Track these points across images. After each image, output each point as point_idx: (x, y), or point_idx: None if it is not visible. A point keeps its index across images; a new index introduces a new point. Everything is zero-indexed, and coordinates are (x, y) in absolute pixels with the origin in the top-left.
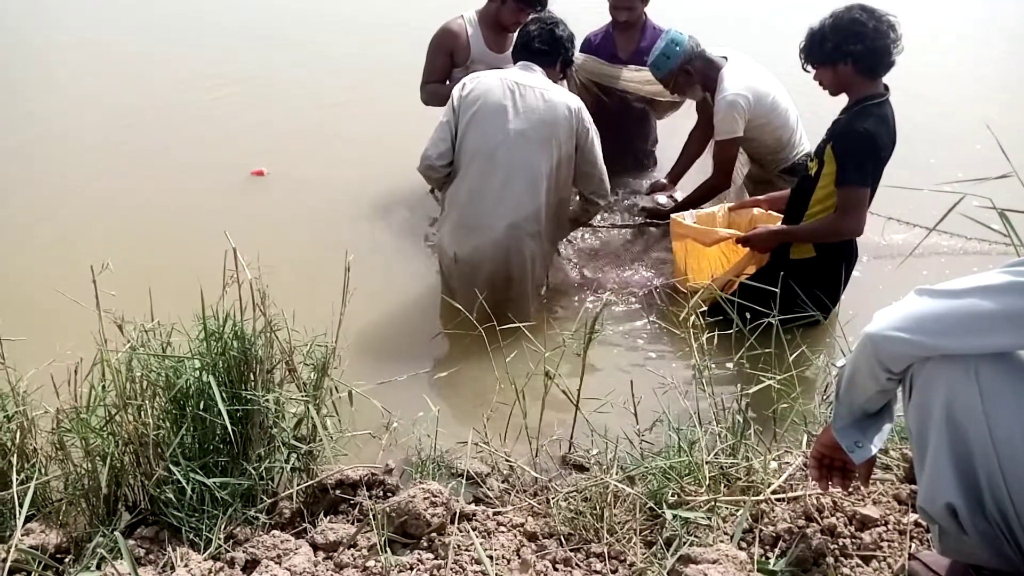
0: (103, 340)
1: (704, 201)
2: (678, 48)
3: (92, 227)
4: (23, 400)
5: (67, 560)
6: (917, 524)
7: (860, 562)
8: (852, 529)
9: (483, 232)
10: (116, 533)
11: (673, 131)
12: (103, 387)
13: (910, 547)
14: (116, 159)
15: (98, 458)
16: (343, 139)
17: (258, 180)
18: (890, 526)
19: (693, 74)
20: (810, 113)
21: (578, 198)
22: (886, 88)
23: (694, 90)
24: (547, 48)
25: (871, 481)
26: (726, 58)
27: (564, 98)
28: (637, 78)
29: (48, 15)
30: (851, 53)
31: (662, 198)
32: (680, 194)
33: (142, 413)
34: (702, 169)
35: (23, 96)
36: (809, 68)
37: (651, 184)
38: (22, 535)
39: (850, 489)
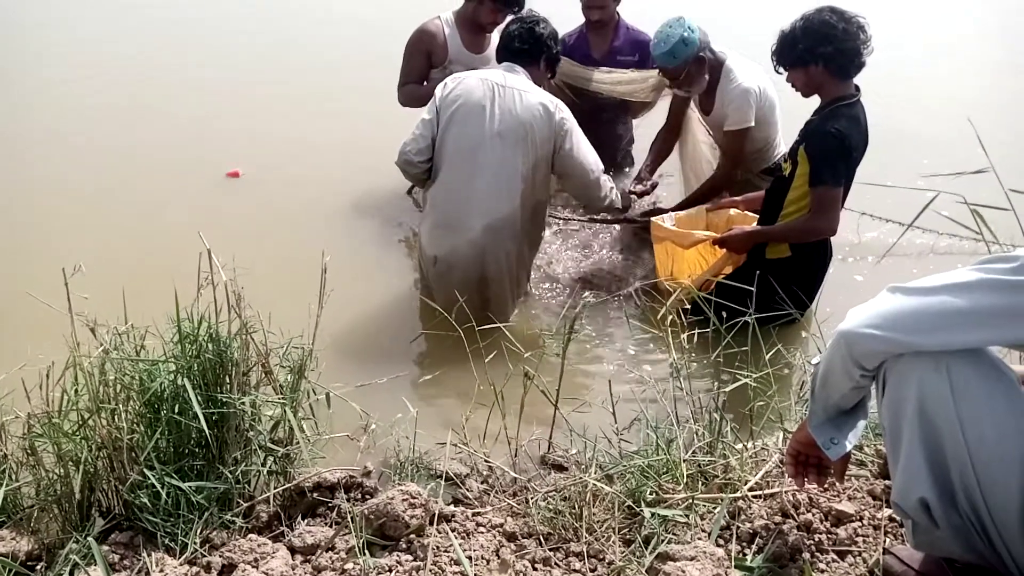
0: (75, 343)
1: (714, 195)
2: (694, 35)
3: (64, 228)
4: None
5: (39, 567)
6: (891, 519)
7: (836, 557)
8: (827, 525)
9: (460, 232)
10: (90, 539)
11: (649, 129)
12: (75, 391)
13: (884, 542)
14: (89, 159)
15: (71, 463)
16: (319, 140)
17: (233, 181)
18: (865, 521)
19: (706, 63)
20: (783, 113)
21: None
22: (857, 89)
23: (702, 81)
24: (527, 47)
25: (846, 477)
26: (724, 53)
27: (541, 99)
28: (609, 79)
29: (43, 13)
30: (822, 55)
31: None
32: (657, 179)
33: (116, 417)
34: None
35: (3, 93)
36: (781, 70)
37: (635, 179)
38: None
39: (825, 485)
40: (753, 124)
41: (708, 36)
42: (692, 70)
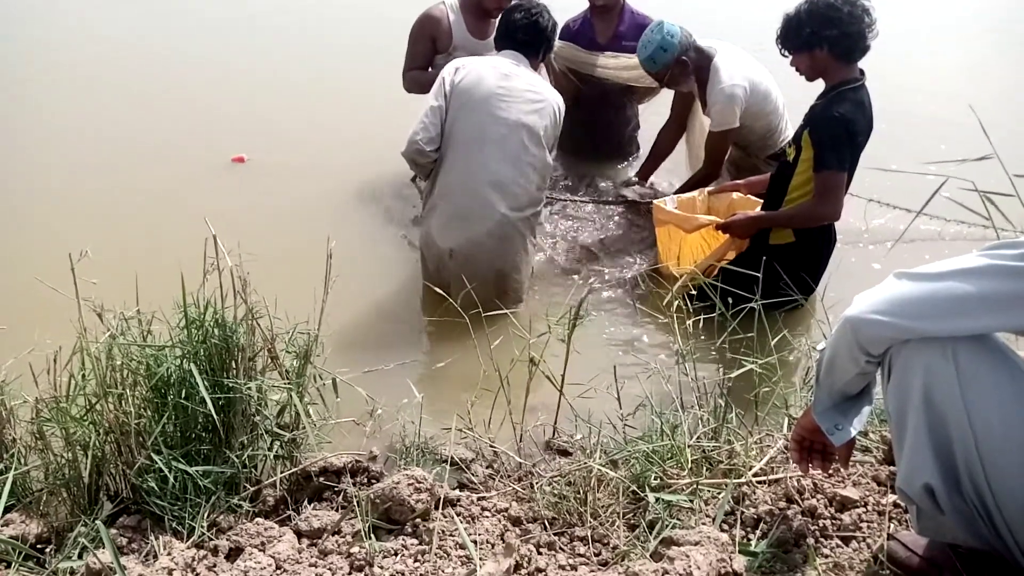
0: (83, 328)
1: (695, 190)
2: (674, 40)
3: (71, 215)
4: (1, 390)
5: (48, 550)
6: (896, 505)
7: (840, 542)
8: (832, 510)
9: (477, 222)
10: (98, 522)
11: (654, 115)
12: (83, 376)
13: (889, 527)
14: (96, 147)
15: (79, 447)
16: (324, 126)
17: (238, 167)
18: (869, 507)
19: (688, 65)
20: (787, 99)
21: None
22: (862, 73)
23: (688, 82)
24: (530, 39)
25: (851, 463)
26: (714, 48)
27: (552, 93)
28: (614, 64)
29: (52, 3)
30: (827, 38)
31: (631, 194)
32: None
33: (123, 402)
34: (674, 163)
35: (5, 80)
36: (786, 54)
37: (623, 182)
38: (1, 525)
39: (830, 471)
40: (736, 125)
41: (692, 37)
42: (675, 72)
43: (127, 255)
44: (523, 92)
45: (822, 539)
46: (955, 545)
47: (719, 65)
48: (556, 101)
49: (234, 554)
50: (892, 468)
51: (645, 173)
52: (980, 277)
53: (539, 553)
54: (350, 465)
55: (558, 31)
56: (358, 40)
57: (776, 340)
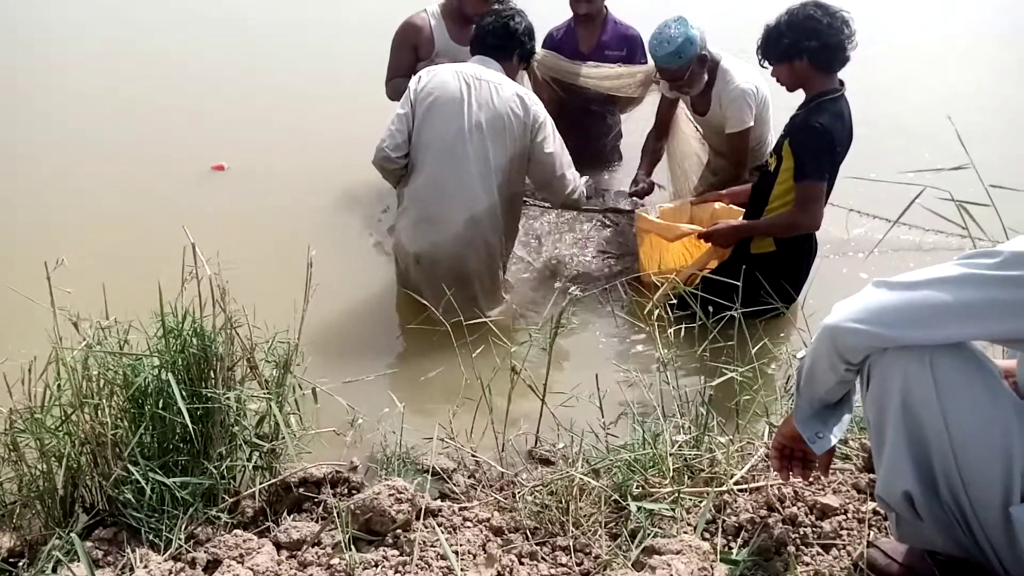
0: (58, 338)
1: (725, 188)
2: (696, 33)
3: (46, 222)
4: None
5: (21, 564)
6: (875, 512)
7: (820, 550)
8: (812, 518)
9: (443, 226)
10: (73, 535)
11: (637, 124)
12: (58, 386)
13: (869, 535)
14: (73, 153)
15: (53, 459)
16: (304, 134)
17: (219, 175)
18: (849, 514)
19: (707, 61)
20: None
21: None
22: (841, 83)
23: (702, 81)
24: (501, 43)
25: (831, 471)
26: (718, 53)
27: (517, 91)
28: (596, 74)
29: (32, 7)
30: (807, 49)
31: (627, 204)
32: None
33: (99, 412)
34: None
35: None
36: (766, 65)
37: (633, 180)
38: None
39: (811, 479)
40: (752, 124)
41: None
42: (695, 69)
43: (104, 264)
44: (485, 96)
45: (803, 547)
46: (934, 552)
47: (727, 67)
48: (520, 95)
49: (212, 566)
50: (872, 476)
51: (647, 170)
52: (957, 286)
53: (521, 563)
54: (330, 476)
55: (535, 35)
56: (340, 48)
57: (757, 349)
